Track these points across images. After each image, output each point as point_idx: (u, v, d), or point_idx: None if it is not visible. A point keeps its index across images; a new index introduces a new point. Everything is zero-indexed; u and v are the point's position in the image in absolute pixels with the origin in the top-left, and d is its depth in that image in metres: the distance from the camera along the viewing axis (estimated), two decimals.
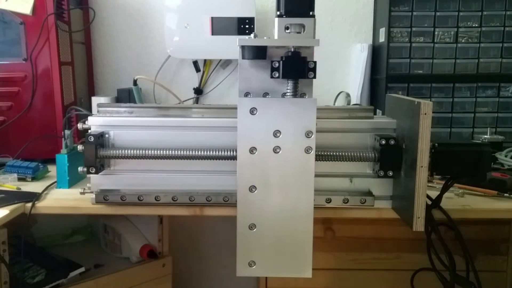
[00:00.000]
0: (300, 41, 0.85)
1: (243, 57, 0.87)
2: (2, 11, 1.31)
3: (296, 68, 0.86)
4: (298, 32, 0.85)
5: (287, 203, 0.88)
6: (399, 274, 1.24)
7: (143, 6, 1.68)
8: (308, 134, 0.85)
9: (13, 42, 1.32)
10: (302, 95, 0.91)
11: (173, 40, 1.57)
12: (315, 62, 0.87)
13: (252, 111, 0.85)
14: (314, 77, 0.87)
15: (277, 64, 0.86)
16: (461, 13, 1.46)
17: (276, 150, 0.86)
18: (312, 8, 0.85)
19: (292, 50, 0.86)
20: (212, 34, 1.53)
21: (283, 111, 0.85)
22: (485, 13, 1.46)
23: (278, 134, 0.86)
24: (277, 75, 0.86)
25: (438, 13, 1.47)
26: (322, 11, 1.67)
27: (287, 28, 0.85)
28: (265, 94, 0.92)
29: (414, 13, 1.47)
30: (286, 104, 0.86)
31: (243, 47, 0.87)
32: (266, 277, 1.26)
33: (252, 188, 0.87)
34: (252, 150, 0.86)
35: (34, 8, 1.30)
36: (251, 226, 0.88)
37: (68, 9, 1.39)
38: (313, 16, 0.85)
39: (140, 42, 1.70)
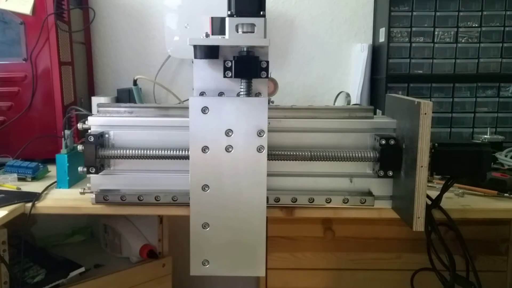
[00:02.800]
0: (250, 41, 0.86)
1: (196, 57, 0.88)
2: (2, 11, 1.31)
3: (248, 67, 0.87)
4: (250, 32, 0.85)
5: (239, 202, 0.88)
6: (399, 274, 1.24)
7: (143, 6, 1.68)
8: (260, 133, 0.86)
9: (13, 42, 1.32)
10: (258, 95, 0.91)
11: (173, 40, 1.57)
12: (267, 62, 0.87)
13: (204, 110, 0.86)
14: (267, 76, 0.88)
15: (229, 64, 0.87)
16: (461, 13, 1.46)
17: (228, 149, 0.87)
18: (262, 8, 0.86)
19: (245, 50, 0.86)
20: (212, 34, 1.53)
21: (235, 110, 0.86)
22: (485, 13, 1.46)
23: (230, 133, 0.86)
24: (230, 74, 0.87)
25: (438, 13, 1.47)
26: (322, 11, 1.67)
27: (238, 27, 0.85)
28: (221, 94, 0.93)
29: (414, 13, 1.47)
30: (237, 103, 0.86)
31: (195, 47, 0.87)
32: (266, 277, 1.26)
33: (204, 187, 0.88)
34: (205, 149, 0.87)
35: (34, 8, 1.30)
36: (204, 225, 0.89)
37: (68, 9, 1.39)
38: (264, 16, 0.85)
39: (140, 42, 1.70)
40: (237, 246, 0.90)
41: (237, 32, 0.86)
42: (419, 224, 0.85)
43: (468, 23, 1.47)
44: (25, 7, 1.29)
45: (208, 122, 0.86)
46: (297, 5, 1.66)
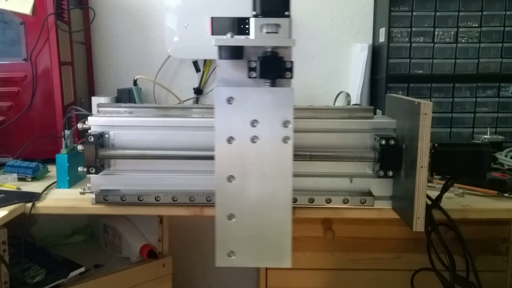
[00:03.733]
0: (276, 41, 0.86)
1: (220, 57, 0.87)
2: (2, 11, 1.31)
3: (273, 68, 0.86)
4: (274, 32, 0.85)
5: (265, 192, 0.87)
6: (399, 274, 1.24)
7: (143, 6, 1.68)
8: (285, 124, 0.85)
9: (13, 42, 1.32)
10: None
11: (173, 40, 1.57)
12: (292, 62, 0.87)
13: (229, 100, 0.85)
14: (291, 77, 0.87)
15: (254, 64, 0.86)
16: (461, 13, 1.46)
17: (254, 140, 0.86)
18: (287, 8, 0.85)
19: (270, 50, 0.86)
20: (212, 34, 1.53)
21: (261, 101, 0.85)
22: (485, 13, 1.46)
23: (255, 124, 0.85)
24: (254, 75, 0.87)
25: (438, 13, 1.47)
26: (322, 11, 1.67)
27: (263, 28, 0.85)
28: None
29: (414, 13, 1.47)
30: (263, 93, 0.85)
31: (220, 47, 0.87)
32: (266, 277, 1.26)
33: (230, 178, 0.87)
34: (230, 139, 0.86)
35: (34, 8, 1.30)
36: (230, 216, 0.88)
37: (68, 9, 1.39)
38: (289, 16, 0.85)
39: (140, 42, 1.70)
40: (263, 237, 0.89)
41: (262, 32, 0.85)
42: (419, 224, 0.85)
43: (468, 23, 1.47)
44: (25, 7, 1.29)
45: (233, 112, 0.85)
46: (297, 5, 1.66)
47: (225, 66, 0.90)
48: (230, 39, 0.86)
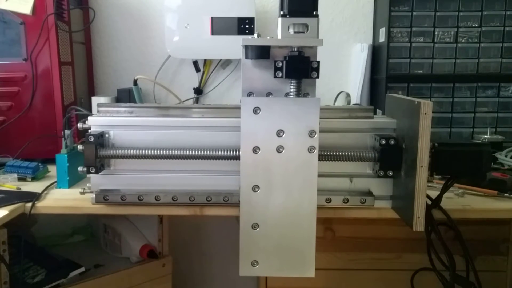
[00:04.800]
0: (303, 41, 0.85)
1: (247, 57, 0.87)
2: (2, 11, 1.31)
3: (300, 68, 0.86)
4: (301, 32, 0.85)
5: (290, 202, 0.87)
6: (399, 274, 1.24)
7: (143, 6, 1.68)
8: (311, 134, 0.85)
9: (13, 42, 1.32)
10: (305, 95, 0.91)
11: (173, 40, 1.57)
12: (318, 62, 0.87)
13: (256, 110, 0.85)
14: (317, 77, 0.87)
15: (280, 64, 0.86)
16: (461, 13, 1.46)
17: (279, 149, 0.86)
18: (315, 8, 0.85)
19: (296, 50, 0.86)
20: (212, 34, 1.53)
21: (286, 111, 0.85)
22: (485, 13, 1.46)
23: (281, 134, 0.86)
24: (280, 75, 0.86)
25: (438, 13, 1.47)
26: (322, 11, 1.66)
27: (290, 28, 0.85)
28: (268, 94, 0.92)
29: (414, 13, 1.47)
30: (289, 103, 0.86)
31: (246, 47, 0.87)
32: (266, 277, 1.26)
33: (255, 188, 0.87)
34: (256, 149, 0.86)
35: (34, 8, 1.30)
36: (254, 226, 0.88)
37: (68, 9, 1.39)
38: (317, 16, 0.85)
39: (140, 42, 1.70)
40: (287, 247, 0.89)
41: (289, 31, 0.85)
42: (419, 224, 0.85)
43: (468, 23, 1.47)
44: (25, 7, 1.29)
45: (259, 122, 0.85)
46: None
47: (250, 66, 0.90)
48: (257, 39, 0.86)
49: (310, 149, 0.86)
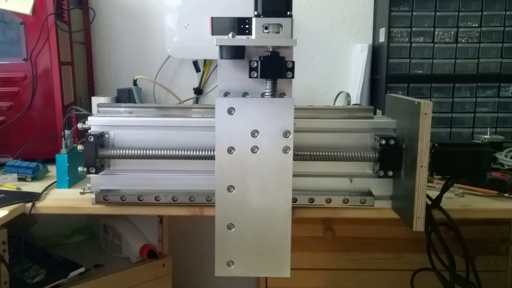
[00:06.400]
0: (277, 41, 0.86)
1: (221, 57, 0.87)
2: (2, 11, 1.31)
3: (274, 68, 0.86)
4: (276, 32, 0.85)
5: (265, 202, 0.88)
6: (399, 274, 1.24)
7: (143, 6, 1.68)
8: (286, 134, 0.86)
9: (13, 42, 1.32)
10: (282, 95, 0.91)
11: (173, 40, 1.57)
12: (293, 62, 0.87)
13: (230, 111, 0.85)
14: (292, 77, 0.87)
15: (255, 64, 0.86)
16: (461, 13, 1.46)
17: (254, 150, 0.86)
18: (289, 8, 0.85)
19: (271, 50, 0.86)
20: (212, 34, 1.53)
21: (261, 111, 0.86)
22: (485, 13, 1.46)
23: (256, 134, 0.86)
24: (255, 75, 0.87)
25: (438, 13, 1.47)
26: (322, 11, 1.67)
27: (266, 28, 0.85)
28: (245, 94, 0.92)
29: (414, 13, 1.47)
30: (263, 104, 0.86)
31: (221, 47, 0.87)
32: (266, 277, 1.26)
33: (230, 188, 0.88)
34: (230, 150, 0.86)
35: (34, 8, 1.30)
36: (230, 226, 0.89)
37: (68, 9, 1.39)
38: (291, 16, 0.85)
39: (140, 42, 1.70)
40: (262, 247, 0.90)
41: (264, 32, 0.85)
42: (419, 224, 0.85)
43: (468, 23, 1.47)
44: (25, 7, 1.29)
45: (234, 123, 0.86)
46: (297, 5, 1.65)
47: (226, 66, 0.90)
48: (231, 39, 0.86)
49: (285, 150, 0.86)
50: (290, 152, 0.86)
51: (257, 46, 0.88)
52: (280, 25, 0.85)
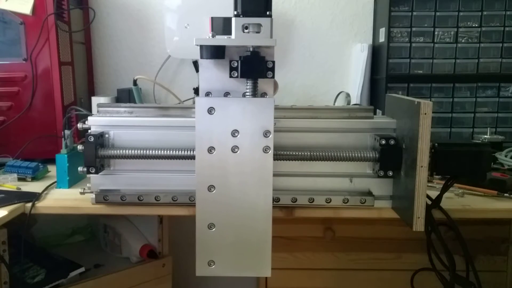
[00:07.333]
0: (256, 41, 0.86)
1: (202, 57, 0.87)
2: (2, 11, 1.31)
3: (254, 67, 0.86)
4: (256, 32, 0.85)
5: (245, 202, 0.88)
6: (399, 274, 1.24)
7: (143, 6, 1.68)
8: (266, 134, 0.86)
9: (13, 42, 1.32)
10: (263, 95, 0.91)
11: (173, 40, 1.57)
12: (273, 62, 0.87)
13: (210, 110, 0.86)
14: (273, 76, 0.87)
15: (235, 64, 0.87)
16: (461, 13, 1.46)
17: (234, 149, 0.87)
18: (268, 8, 0.85)
19: (251, 50, 0.86)
20: None
21: (241, 111, 0.86)
22: (485, 13, 1.46)
23: (236, 134, 0.86)
24: (236, 74, 0.87)
25: (438, 13, 1.47)
26: (322, 11, 1.67)
27: (246, 27, 0.85)
28: (226, 94, 0.92)
29: (414, 13, 1.47)
30: (243, 103, 0.86)
31: (201, 47, 0.87)
32: (266, 277, 1.26)
33: (211, 188, 0.88)
34: (211, 149, 0.87)
35: (34, 8, 1.30)
36: (210, 226, 0.89)
37: (68, 9, 1.39)
38: (270, 16, 0.85)
39: (140, 42, 1.70)
40: (243, 247, 0.90)
41: (243, 32, 0.85)
42: (419, 224, 0.85)
43: (468, 23, 1.47)
44: (25, 7, 1.29)
45: (214, 123, 0.86)
46: (297, 5, 1.66)
47: (207, 65, 0.91)
48: (211, 39, 0.86)
49: (265, 149, 0.87)
50: (270, 152, 0.87)
51: (237, 46, 0.88)
52: (260, 25, 0.85)
